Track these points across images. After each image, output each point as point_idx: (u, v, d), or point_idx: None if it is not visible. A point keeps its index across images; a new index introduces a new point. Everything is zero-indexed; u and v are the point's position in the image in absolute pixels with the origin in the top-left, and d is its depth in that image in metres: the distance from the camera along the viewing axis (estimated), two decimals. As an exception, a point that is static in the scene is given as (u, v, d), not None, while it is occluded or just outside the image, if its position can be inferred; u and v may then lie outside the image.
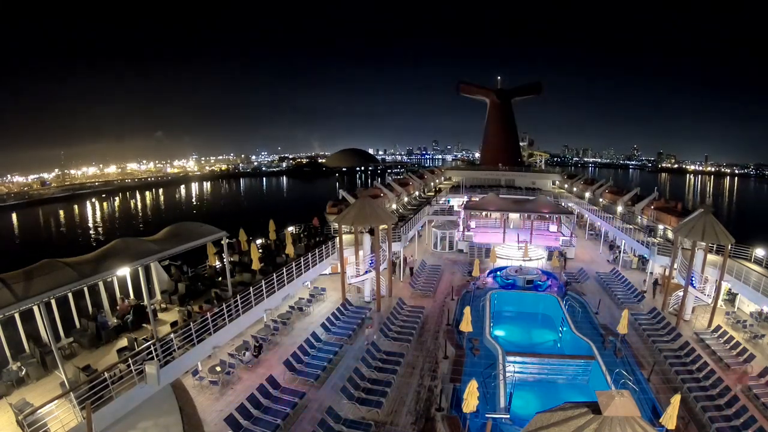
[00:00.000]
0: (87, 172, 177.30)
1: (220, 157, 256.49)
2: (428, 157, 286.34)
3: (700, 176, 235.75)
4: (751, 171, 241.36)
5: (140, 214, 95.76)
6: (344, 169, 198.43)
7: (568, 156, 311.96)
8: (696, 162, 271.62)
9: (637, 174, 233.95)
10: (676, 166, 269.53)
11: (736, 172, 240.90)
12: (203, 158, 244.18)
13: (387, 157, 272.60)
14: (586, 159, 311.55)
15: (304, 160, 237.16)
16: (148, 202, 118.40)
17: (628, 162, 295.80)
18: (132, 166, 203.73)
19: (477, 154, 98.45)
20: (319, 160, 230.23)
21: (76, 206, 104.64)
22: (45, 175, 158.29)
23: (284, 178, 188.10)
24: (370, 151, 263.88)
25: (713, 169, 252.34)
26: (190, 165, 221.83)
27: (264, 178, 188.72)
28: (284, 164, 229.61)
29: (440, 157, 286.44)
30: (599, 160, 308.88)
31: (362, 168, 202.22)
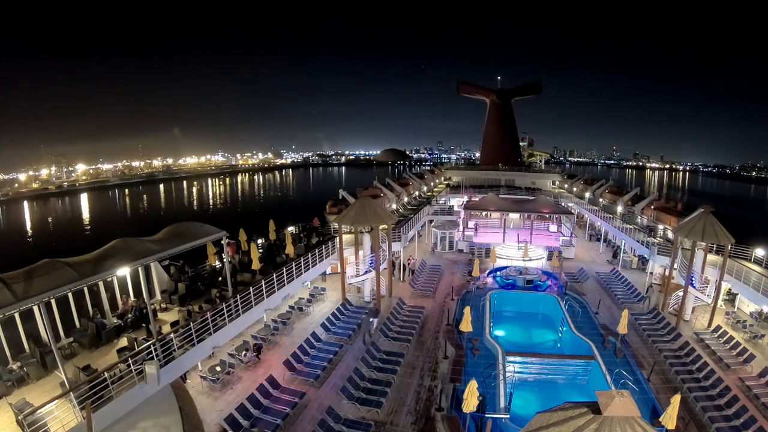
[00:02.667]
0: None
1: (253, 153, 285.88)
2: (436, 156, 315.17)
3: (657, 172, 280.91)
4: (709, 169, 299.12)
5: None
6: (389, 163, 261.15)
7: (555, 156, 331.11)
8: (654, 160, 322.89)
9: (606, 170, 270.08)
10: (639, 163, 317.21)
11: (687, 168, 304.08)
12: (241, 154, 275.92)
13: (414, 155, 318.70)
14: (563, 158, 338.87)
15: (351, 156, 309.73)
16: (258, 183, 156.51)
17: (606, 161, 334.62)
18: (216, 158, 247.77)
19: (477, 154, 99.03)
20: (369, 157, 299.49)
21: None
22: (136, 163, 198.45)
23: (344, 168, 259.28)
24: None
25: (668, 166, 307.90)
26: (260, 156, 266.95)
27: (327, 168, 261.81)
28: (342, 158, 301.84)
29: (446, 156, 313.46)
30: (578, 159, 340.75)
31: (400, 162, 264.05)
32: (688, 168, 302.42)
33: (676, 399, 11.28)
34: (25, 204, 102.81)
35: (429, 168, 76.46)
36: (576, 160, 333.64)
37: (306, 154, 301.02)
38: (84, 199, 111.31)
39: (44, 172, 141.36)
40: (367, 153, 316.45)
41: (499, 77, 75.19)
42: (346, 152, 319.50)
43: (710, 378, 15.26)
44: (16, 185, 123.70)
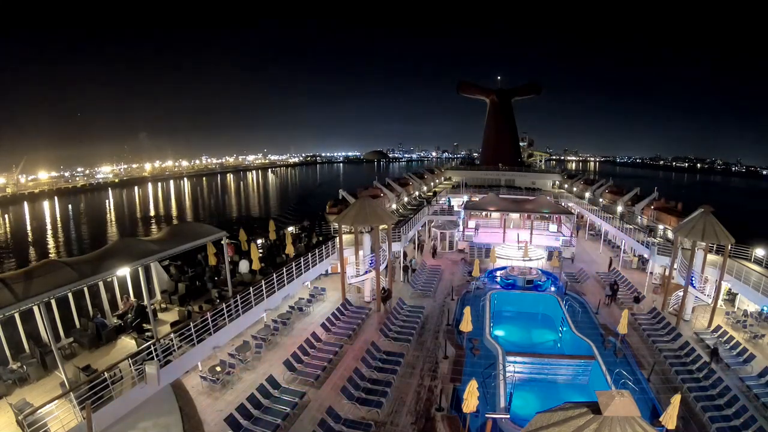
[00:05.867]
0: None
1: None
2: (400, 155, 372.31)
3: (572, 164, 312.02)
4: (638, 160, 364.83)
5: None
6: (375, 161, 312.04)
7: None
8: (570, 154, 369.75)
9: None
10: (561, 158, 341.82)
11: (599, 160, 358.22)
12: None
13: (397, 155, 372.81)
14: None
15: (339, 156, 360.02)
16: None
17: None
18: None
19: (475, 154, 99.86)
20: (359, 156, 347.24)
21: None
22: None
23: (342, 165, 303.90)
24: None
25: (582, 159, 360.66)
26: (251, 158, 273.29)
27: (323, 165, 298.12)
28: (341, 156, 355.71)
29: (408, 155, 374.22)
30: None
31: (382, 160, 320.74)
32: (600, 160, 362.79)
33: (676, 399, 11.27)
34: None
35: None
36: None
37: (303, 155, 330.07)
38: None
39: None
40: (353, 154, 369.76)
41: (499, 77, 75.42)
42: (335, 153, 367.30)
43: (710, 378, 15.26)
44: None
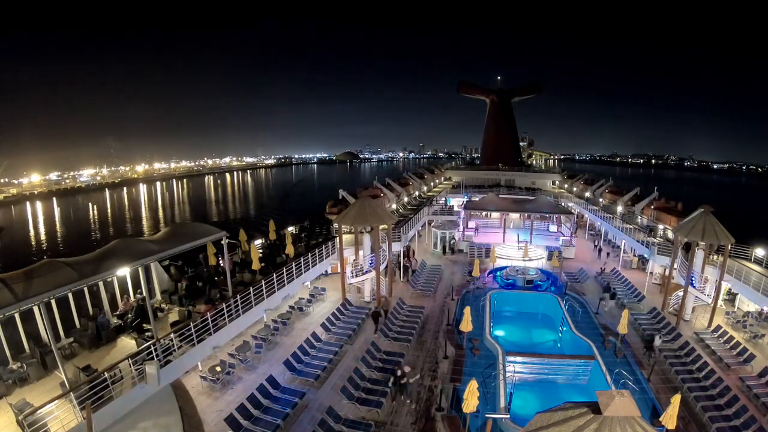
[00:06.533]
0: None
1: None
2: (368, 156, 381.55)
3: (535, 160, 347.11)
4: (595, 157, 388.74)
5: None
6: (347, 162, 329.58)
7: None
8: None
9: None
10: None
11: (559, 158, 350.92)
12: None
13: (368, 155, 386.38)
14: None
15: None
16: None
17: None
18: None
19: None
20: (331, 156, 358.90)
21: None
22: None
23: (315, 165, 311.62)
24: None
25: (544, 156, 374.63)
26: (226, 161, 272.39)
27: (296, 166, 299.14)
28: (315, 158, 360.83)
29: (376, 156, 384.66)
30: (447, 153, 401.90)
31: (354, 161, 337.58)
32: (559, 158, 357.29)
33: (676, 399, 11.27)
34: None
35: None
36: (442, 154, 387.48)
37: (274, 157, 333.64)
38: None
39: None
40: (320, 156, 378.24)
41: (499, 77, 75.43)
42: (304, 155, 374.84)
43: (710, 378, 15.25)
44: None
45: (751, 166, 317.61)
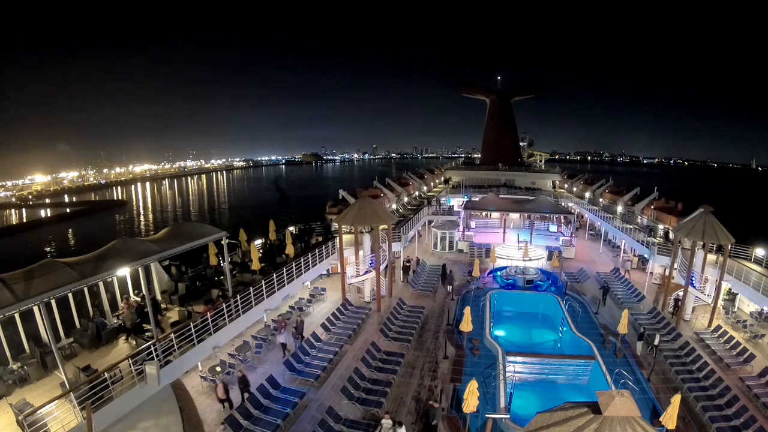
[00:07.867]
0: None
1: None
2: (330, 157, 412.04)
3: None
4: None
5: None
6: (312, 162, 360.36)
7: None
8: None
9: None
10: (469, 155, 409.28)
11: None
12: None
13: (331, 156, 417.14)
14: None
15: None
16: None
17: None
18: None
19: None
20: (296, 158, 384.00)
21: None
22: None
23: (284, 166, 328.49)
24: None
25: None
26: (190, 163, 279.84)
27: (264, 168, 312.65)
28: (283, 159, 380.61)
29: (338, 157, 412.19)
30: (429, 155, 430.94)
31: (318, 162, 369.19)
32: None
33: (676, 399, 11.27)
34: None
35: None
36: (427, 156, 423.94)
37: (227, 159, 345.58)
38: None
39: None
40: (275, 158, 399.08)
41: (499, 77, 75.47)
42: (261, 157, 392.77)
43: (710, 378, 15.25)
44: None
45: (678, 160, 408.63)
